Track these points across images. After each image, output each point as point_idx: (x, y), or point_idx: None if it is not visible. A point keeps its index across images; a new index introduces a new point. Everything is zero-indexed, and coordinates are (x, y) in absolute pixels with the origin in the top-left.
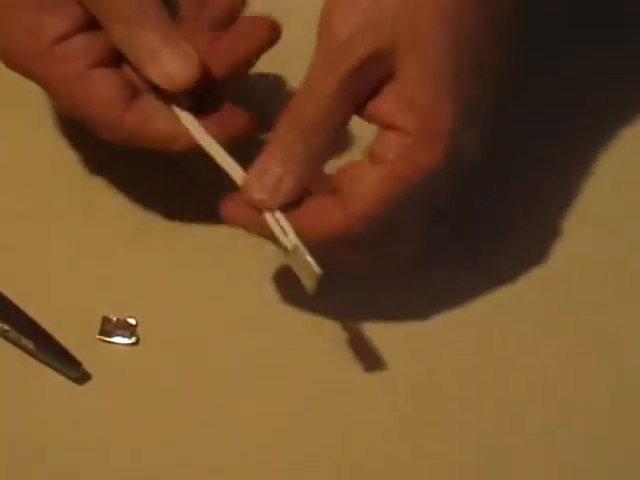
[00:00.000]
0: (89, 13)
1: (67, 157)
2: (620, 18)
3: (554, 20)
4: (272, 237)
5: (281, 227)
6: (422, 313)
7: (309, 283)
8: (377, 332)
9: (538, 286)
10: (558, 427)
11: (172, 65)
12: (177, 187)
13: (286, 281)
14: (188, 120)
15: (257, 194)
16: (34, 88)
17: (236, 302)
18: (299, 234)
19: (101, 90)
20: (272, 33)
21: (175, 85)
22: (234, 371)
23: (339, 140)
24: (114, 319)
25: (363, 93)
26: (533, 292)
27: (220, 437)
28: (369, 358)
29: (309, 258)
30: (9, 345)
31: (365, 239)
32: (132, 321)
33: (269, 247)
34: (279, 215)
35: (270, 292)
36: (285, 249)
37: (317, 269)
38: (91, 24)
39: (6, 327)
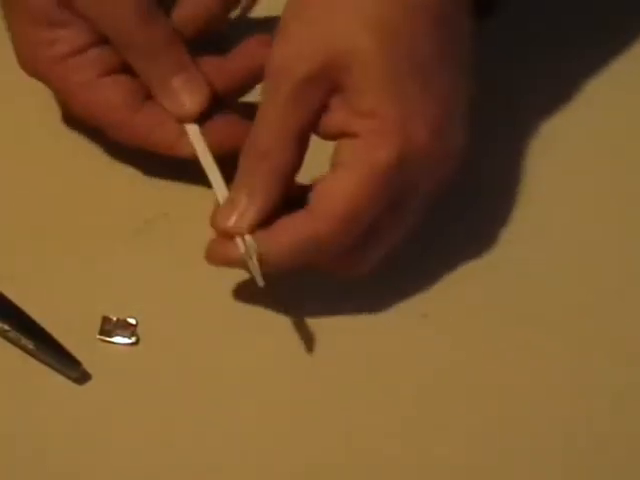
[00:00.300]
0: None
1: (67, 157)
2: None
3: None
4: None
5: (249, 253)
6: (422, 314)
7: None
8: (376, 331)
9: (536, 285)
10: (560, 426)
11: (183, 95)
12: (177, 187)
13: (286, 281)
14: (192, 130)
15: (223, 224)
16: (35, 88)
17: (236, 302)
18: (270, 247)
19: (111, 95)
20: None
21: (184, 114)
22: (234, 371)
23: (300, 160)
24: (114, 319)
25: (311, 112)
26: (532, 291)
27: (220, 437)
28: (369, 357)
29: (254, 263)
30: (9, 345)
31: (348, 244)
32: (132, 321)
33: None
34: (248, 240)
35: (270, 292)
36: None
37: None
38: (103, 39)
39: (6, 327)
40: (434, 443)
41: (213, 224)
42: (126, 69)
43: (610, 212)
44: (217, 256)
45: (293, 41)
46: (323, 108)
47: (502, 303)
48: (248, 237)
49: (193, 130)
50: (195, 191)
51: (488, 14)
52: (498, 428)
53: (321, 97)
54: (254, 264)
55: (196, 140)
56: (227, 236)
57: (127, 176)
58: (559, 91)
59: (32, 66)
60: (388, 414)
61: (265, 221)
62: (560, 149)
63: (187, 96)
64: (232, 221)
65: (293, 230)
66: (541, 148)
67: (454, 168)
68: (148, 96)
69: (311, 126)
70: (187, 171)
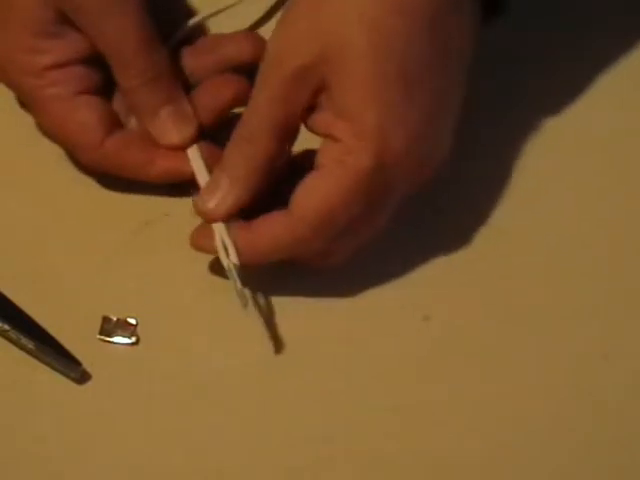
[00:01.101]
0: (90, 48)
1: (67, 157)
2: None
3: None
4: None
5: (224, 244)
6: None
7: (240, 300)
8: (377, 334)
9: (538, 287)
10: (561, 427)
11: (169, 125)
12: (177, 187)
13: (287, 282)
14: (191, 151)
15: (204, 206)
16: None
17: (236, 302)
18: (250, 245)
19: (84, 114)
20: (240, 89)
21: (169, 143)
22: (234, 371)
23: (283, 150)
24: (114, 319)
25: (299, 105)
26: (533, 293)
27: (220, 437)
28: (369, 359)
29: (238, 284)
30: (9, 345)
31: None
32: (132, 321)
33: None
34: (224, 233)
35: (270, 292)
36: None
37: (241, 292)
38: (89, 58)
39: (6, 327)
40: (435, 445)
41: (194, 206)
42: (101, 92)
43: (610, 213)
44: (194, 240)
45: (289, 35)
46: (313, 103)
47: (503, 304)
48: (233, 259)
49: (193, 150)
50: (195, 191)
51: (496, 13)
52: (499, 429)
53: (310, 92)
54: (229, 263)
55: (195, 159)
56: (206, 219)
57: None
58: (556, 90)
59: (8, 71)
60: (388, 416)
61: (244, 207)
62: (558, 149)
63: (174, 126)
64: (212, 204)
65: (271, 228)
66: (541, 149)
67: (434, 172)
68: (119, 123)
69: (298, 119)
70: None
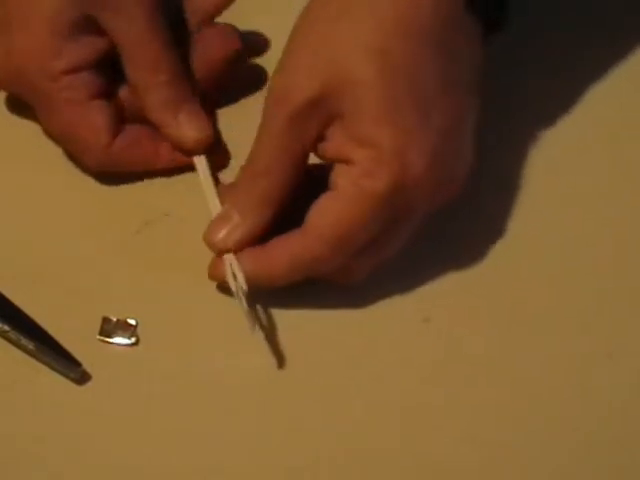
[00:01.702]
0: (105, 49)
1: (67, 157)
2: None
3: None
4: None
5: (233, 271)
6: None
7: (248, 323)
8: (377, 335)
9: (538, 288)
10: (562, 428)
11: (189, 122)
12: (177, 187)
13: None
14: (199, 160)
15: (211, 237)
16: None
17: (236, 302)
18: (266, 266)
19: (96, 118)
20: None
21: (185, 147)
22: (234, 371)
23: (295, 182)
24: (114, 319)
25: (307, 139)
26: (533, 294)
27: (220, 437)
28: (369, 361)
29: (245, 308)
30: (9, 345)
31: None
32: (132, 321)
33: None
34: (232, 258)
35: (270, 292)
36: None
37: (249, 315)
38: (98, 62)
39: (6, 327)
40: (435, 446)
41: (204, 237)
42: (108, 94)
43: (613, 212)
44: (209, 271)
45: (293, 69)
46: (321, 135)
47: (504, 305)
48: (235, 262)
49: (200, 160)
50: (195, 191)
51: (496, 29)
52: (500, 430)
53: (318, 125)
54: (238, 291)
55: (202, 169)
56: (216, 252)
57: (127, 176)
58: (558, 92)
59: (25, 73)
60: (388, 417)
61: (254, 241)
62: (561, 151)
63: (194, 126)
64: (220, 235)
65: (287, 248)
66: (541, 151)
67: (456, 192)
68: (123, 119)
69: (307, 151)
70: (187, 171)
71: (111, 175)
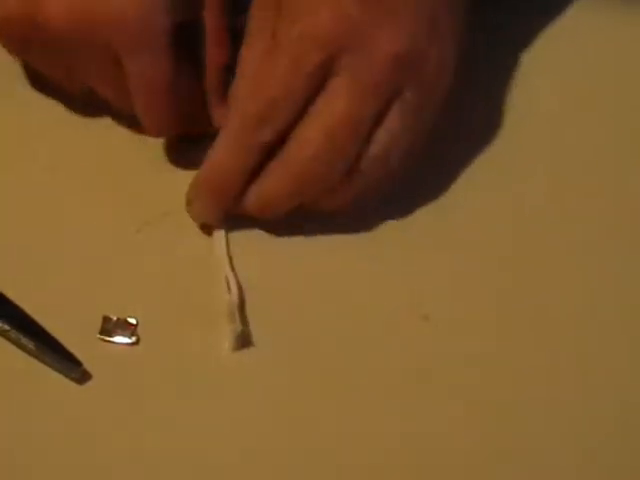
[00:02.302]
0: None
1: (67, 156)
2: None
3: None
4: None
5: (227, 280)
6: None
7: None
8: (377, 333)
9: (539, 288)
10: (562, 428)
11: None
12: (177, 187)
13: (286, 281)
14: (217, 235)
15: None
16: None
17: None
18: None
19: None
20: None
21: None
22: (233, 371)
23: None
24: (114, 319)
25: None
26: (533, 294)
27: (220, 437)
28: (369, 361)
29: (237, 323)
30: (9, 345)
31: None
32: (132, 321)
33: (268, 248)
34: (228, 268)
35: (270, 292)
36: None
37: (239, 332)
38: None
39: (6, 327)
40: (434, 444)
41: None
42: None
43: (611, 213)
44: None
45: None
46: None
47: (502, 304)
48: (227, 266)
49: (219, 234)
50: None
51: None
52: (498, 428)
53: None
54: (231, 301)
55: (218, 243)
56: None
57: (127, 176)
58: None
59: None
60: (387, 415)
61: None
62: (559, 150)
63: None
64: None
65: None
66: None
67: (440, 79)
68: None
69: None
70: (188, 171)
71: (108, 176)
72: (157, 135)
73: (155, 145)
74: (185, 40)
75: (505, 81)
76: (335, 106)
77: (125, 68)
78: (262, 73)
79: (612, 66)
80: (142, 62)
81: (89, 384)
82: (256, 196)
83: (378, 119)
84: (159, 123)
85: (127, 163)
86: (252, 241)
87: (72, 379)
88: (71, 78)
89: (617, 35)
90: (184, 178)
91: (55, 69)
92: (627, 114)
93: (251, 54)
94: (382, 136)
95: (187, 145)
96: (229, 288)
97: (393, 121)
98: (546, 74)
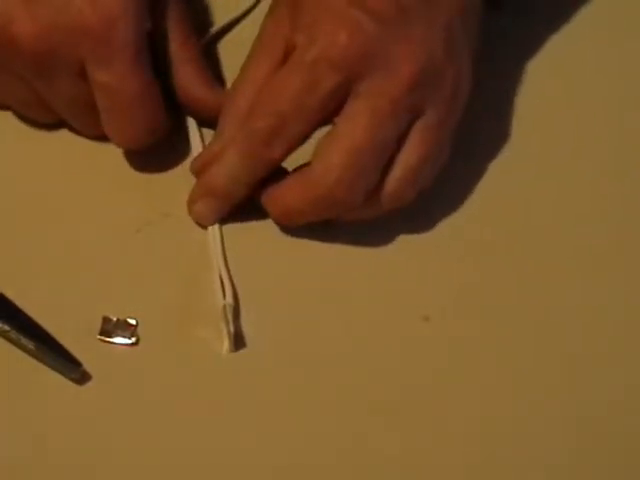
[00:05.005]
0: None
1: (67, 157)
2: None
3: None
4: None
5: (222, 282)
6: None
7: (225, 345)
8: (376, 334)
9: (539, 287)
10: (562, 428)
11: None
12: (177, 187)
13: (286, 281)
14: (212, 231)
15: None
16: None
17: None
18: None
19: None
20: None
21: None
22: (233, 371)
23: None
24: (114, 319)
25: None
26: (533, 293)
27: (220, 437)
28: (368, 356)
29: (230, 327)
30: (9, 345)
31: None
32: (132, 321)
33: (267, 247)
34: (223, 270)
35: (270, 291)
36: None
37: (232, 336)
38: None
39: (6, 327)
40: (434, 444)
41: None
42: None
43: (622, 220)
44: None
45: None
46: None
47: (503, 305)
48: (223, 268)
49: (214, 236)
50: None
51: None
52: (498, 429)
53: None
54: (225, 305)
55: (214, 241)
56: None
57: (127, 176)
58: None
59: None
60: (387, 416)
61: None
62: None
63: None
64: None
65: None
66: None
67: (460, 91)
68: None
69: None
70: (188, 171)
71: (108, 176)
72: (127, 147)
73: (155, 145)
74: (149, 48)
75: (511, 87)
76: (356, 130)
77: (94, 83)
78: (273, 88)
79: (619, 71)
80: (111, 73)
81: (89, 385)
82: (279, 207)
83: (400, 139)
84: (129, 135)
85: (127, 163)
86: (250, 241)
87: (72, 380)
88: (40, 108)
89: (625, 40)
90: (184, 178)
91: (24, 97)
92: (636, 119)
93: (260, 64)
94: (406, 157)
95: (187, 145)
96: (223, 290)
97: (415, 140)
98: (552, 79)
